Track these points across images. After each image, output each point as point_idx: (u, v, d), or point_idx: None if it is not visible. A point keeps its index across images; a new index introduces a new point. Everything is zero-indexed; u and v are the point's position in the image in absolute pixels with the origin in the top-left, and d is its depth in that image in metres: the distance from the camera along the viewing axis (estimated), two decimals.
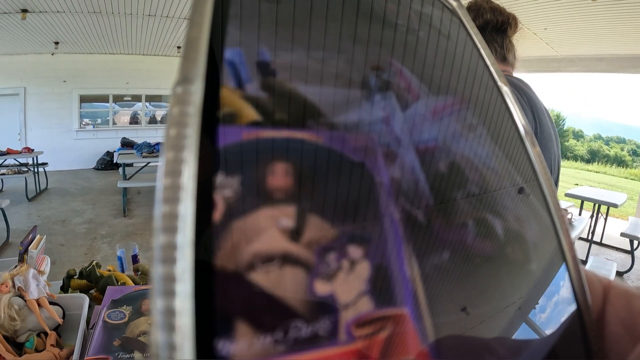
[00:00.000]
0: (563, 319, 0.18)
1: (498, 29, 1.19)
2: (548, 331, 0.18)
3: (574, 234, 3.33)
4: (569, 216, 3.44)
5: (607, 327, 0.19)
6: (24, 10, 4.84)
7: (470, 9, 1.21)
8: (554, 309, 0.19)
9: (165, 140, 0.11)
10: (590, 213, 4.77)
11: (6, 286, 1.10)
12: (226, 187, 0.11)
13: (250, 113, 0.13)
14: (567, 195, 4.95)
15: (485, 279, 0.17)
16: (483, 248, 0.17)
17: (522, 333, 0.18)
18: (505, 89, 0.20)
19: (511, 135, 0.20)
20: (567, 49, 5.81)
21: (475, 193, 0.18)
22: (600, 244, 5.09)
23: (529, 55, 6.35)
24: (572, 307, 0.19)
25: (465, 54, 0.20)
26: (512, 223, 0.19)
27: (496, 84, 0.21)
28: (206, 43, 0.12)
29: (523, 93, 1.11)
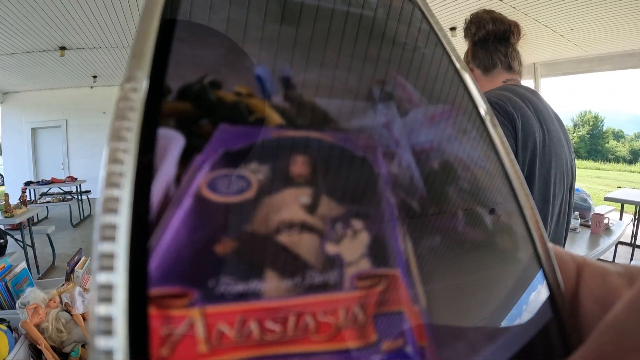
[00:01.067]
0: (532, 301, 0.18)
1: (500, 38, 1.20)
2: (517, 316, 0.18)
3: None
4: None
5: (582, 307, 0.18)
6: (62, 48, 5.13)
7: (472, 22, 1.23)
8: (521, 290, 0.18)
9: (110, 131, 0.13)
10: (632, 216, 4.58)
11: (54, 302, 1.19)
12: (162, 175, 0.14)
13: (191, 109, 0.16)
14: (606, 199, 4.76)
15: (447, 264, 0.18)
16: (448, 234, 0.19)
17: (490, 319, 0.18)
18: (467, 76, 0.22)
19: (472, 119, 0.21)
20: (596, 47, 5.67)
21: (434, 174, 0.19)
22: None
23: (558, 58, 6.23)
24: (542, 288, 0.19)
25: (426, 43, 0.22)
26: (472, 203, 0.19)
27: (457, 72, 0.21)
28: (153, 43, 0.15)
29: (529, 101, 1.11)
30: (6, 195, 4.29)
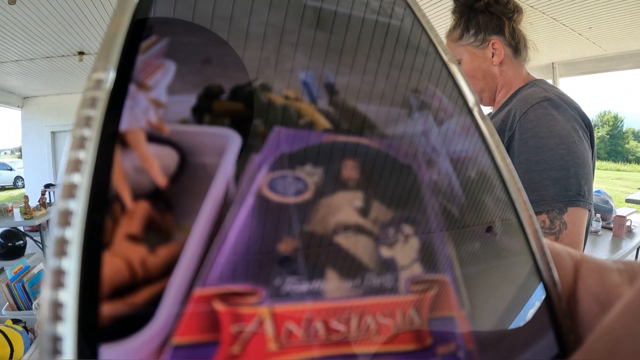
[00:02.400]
0: (526, 301, 0.18)
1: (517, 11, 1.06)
2: (512, 316, 0.17)
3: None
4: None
5: (579, 305, 0.18)
6: (81, 53, 5.21)
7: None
8: (514, 290, 0.18)
9: (76, 119, 0.13)
10: None
11: None
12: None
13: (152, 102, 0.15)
14: (627, 201, 4.67)
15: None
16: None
17: (485, 320, 0.17)
18: (454, 68, 0.21)
19: (459, 109, 0.20)
20: (615, 46, 5.56)
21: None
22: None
23: (577, 57, 6.12)
24: (537, 286, 0.18)
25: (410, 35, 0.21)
26: (461, 195, 0.19)
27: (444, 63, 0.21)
28: (122, 39, 0.14)
29: (575, 109, 0.97)
30: (26, 197, 4.38)
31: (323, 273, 0.14)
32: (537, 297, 0.18)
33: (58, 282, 0.11)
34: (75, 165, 0.12)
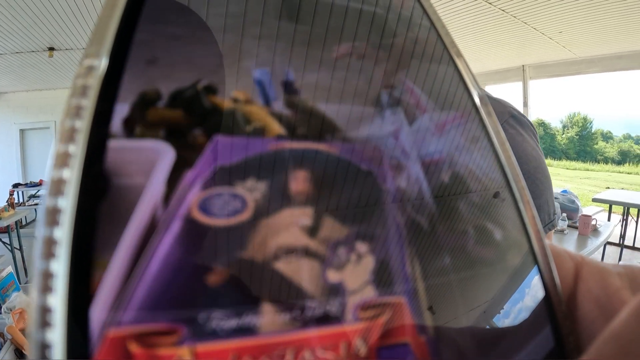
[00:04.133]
0: (526, 301, 0.17)
1: None
2: (510, 318, 0.17)
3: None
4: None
5: (579, 308, 0.17)
6: (51, 49, 5.06)
7: None
8: (515, 290, 0.17)
9: (66, 108, 0.12)
10: (621, 217, 4.63)
11: None
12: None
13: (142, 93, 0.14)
14: (594, 200, 4.81)
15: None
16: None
17: (481, 319, 0.17)
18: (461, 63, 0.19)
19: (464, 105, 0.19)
20: (585, 50, 5.71)
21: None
22: (633, 247, 4.92)
23: (548, 60, 6.27)
24: (538, 287, 0.17)
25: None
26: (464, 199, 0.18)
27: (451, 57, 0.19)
28: (116, 25, 0.13)
29: (526, 119, 0.98)
30: None
31: (257, 305, 0.13)
32: (537, 298, 0.17)
33: (46, 285, 0.11)
34: (64, 160, 0.12)
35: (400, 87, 0.18)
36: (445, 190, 0.18)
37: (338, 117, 0.17)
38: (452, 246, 0.17)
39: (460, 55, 0.19)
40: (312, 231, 0.15)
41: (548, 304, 0.17)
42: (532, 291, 0.17)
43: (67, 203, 0.11)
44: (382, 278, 0.15)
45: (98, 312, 0.11)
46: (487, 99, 0.19)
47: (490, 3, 3.86)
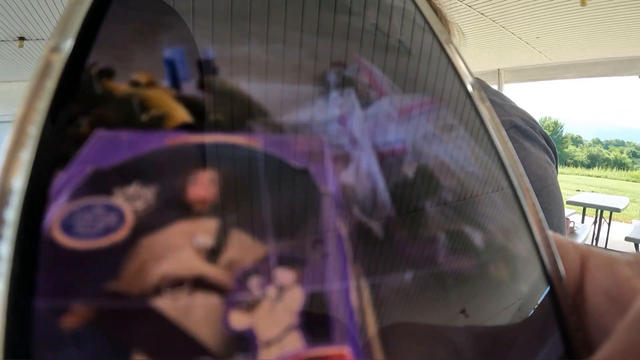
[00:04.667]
0: (529, 296, 0.16)
1: None
2: (511, 316, 0.15)
3: (578, 242, 3.30)
4: (570, 225, 3.42)
5: (587, 301, 0.16)
6: (21, 38, 4.89)
7: None
8: (516, 284, 0.16)
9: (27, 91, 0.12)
10: (593, 219, 4.75)
11: None
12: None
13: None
14: (568, 202, 4.93)
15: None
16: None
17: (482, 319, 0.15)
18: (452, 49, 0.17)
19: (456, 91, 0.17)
20: (561, 55, 5.84)
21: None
22: (605, 250, 5.06)
23: (523, 65, 6.39)
24: (540, 280, 0.16)
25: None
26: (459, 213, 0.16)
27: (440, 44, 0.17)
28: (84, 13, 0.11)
29: (537, 131, 0.86)
30: None
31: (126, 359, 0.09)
32: (540, 292, 0.16)
33: None
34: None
35: (352, 64, 0.15)
36: (413, 190, 0.15)
37: (267, 100, 0.13)
38: (421, 269, 0.14)
39: (436, 21, 0.17)
40: (213, 254, 0.11)
41: (553, 298, 0.16)
42: (535, 285, 0.16)
43: None
44: (314, 320, 0.11)
45: None
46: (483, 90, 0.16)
47: (469, 6, 3.89)
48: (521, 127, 0.79)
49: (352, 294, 0.12)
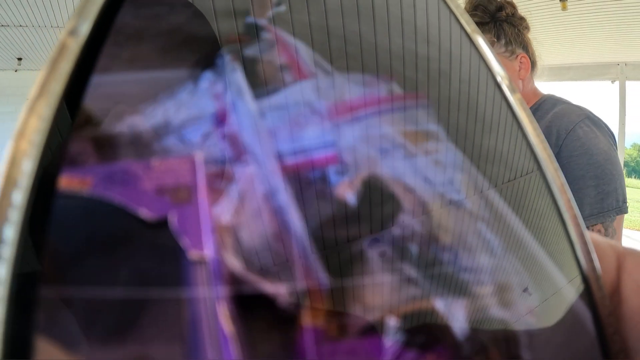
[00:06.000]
0: (565, 297, 0.15)
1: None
2: (546, 317, 0.15)
3: None
4: None
5: (625, 303, 0.16)
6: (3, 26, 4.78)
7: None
8: (552, 285, 0.16)
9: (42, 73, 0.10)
10: None
11: None
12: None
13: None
14: None
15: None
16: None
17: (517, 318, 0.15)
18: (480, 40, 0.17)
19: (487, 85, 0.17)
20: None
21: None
22: None
23: None
24: (577, 281, 0.15)
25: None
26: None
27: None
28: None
29: (605, 124, 1.07)
30: None
31: None
32: (576, 293, 0.15)
33: None
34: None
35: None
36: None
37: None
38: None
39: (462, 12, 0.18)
40: None
41: (589, 299, 0.15)
42: (570, 286, 0.16)
43: None
44: None
45: None
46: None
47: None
48: (592, 118, 1.06)
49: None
